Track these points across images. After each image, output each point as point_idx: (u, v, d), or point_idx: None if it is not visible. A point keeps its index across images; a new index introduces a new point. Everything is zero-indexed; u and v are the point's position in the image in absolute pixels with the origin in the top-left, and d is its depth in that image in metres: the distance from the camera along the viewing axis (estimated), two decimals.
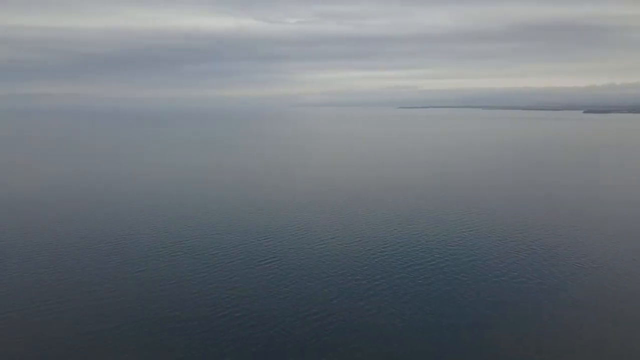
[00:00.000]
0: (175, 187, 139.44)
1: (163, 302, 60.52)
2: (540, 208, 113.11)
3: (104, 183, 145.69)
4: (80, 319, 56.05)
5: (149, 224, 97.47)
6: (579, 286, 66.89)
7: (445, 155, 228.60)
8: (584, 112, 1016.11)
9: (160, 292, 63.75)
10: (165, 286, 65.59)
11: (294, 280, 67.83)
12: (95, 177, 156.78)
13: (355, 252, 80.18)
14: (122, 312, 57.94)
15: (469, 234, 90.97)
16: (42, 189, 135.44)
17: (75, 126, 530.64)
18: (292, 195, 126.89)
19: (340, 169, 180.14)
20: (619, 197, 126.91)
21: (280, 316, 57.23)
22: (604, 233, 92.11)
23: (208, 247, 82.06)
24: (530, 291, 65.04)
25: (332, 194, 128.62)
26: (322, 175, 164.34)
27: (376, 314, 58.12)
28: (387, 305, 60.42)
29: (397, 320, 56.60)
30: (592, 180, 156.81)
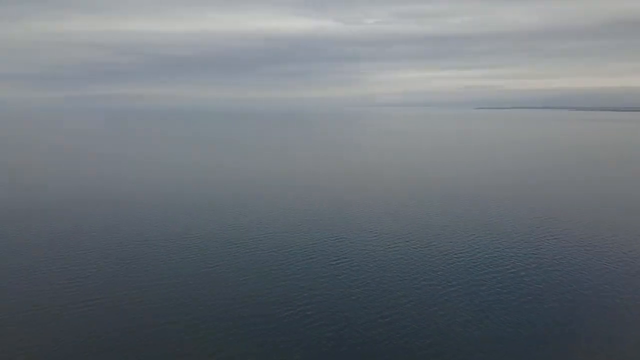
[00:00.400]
0: (253, 185, 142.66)
1: (233, 299, 61.50)
2: (635, 217, 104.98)
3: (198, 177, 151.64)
4: (155, 313, 57.92)
5: (221, 220, 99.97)
6: None
7: (526, 159, 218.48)
8: None
9: (232, 288, 64.88)
10: (236, 283, 66.71)
11: (365, 282, 66.87)
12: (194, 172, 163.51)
13: (430, 255, 77.92)
14: (195, 307, 59.34)
15: (554, 242, 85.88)
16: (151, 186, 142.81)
17: (169, 125, 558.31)
18: (365, 195, 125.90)
19: (412, 169, 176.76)
20: None
21: (351, 317, 56.49)
22: None
23: (280, 245, 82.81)
24: (622, 306, 60.10)
25: (405, 195, 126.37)
26: (394, 175, 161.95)
27: (450, 321, 55.94)
28: (462, 312, 58.03)
29: (473, 329, 54.15)
30: None
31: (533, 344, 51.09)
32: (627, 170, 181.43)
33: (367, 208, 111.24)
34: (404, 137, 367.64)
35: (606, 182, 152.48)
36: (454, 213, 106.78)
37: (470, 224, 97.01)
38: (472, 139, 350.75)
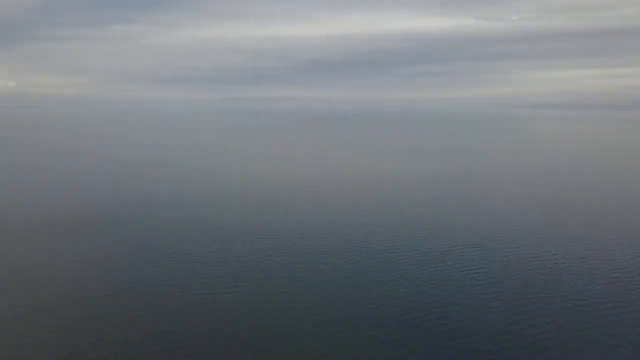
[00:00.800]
0: (404, 189, 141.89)
1: (360, 299, 61.11)
2: None
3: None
4: (281, 308, 59.51)
5: (369, 218, 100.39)
6: None
7: None
8: None
9: (361, 288, 64.59)
10: (367, 283, 66.29)
11: (507, 295, 62.29)
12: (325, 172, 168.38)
13: (587, 273, 70.47)
14: (327, 306, 59.98)
15: None
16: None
17: (312, 127, 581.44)
18: (514, 204, 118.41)
19: (563, 177, 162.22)
20: None
21: (486, 330, 52.96)
22: None
23: (418, 249, 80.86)
24: None
25: (560, 205, 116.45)
26: (546, 188, 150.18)
27: (609, 349, 49.87)
28: (622, 342, 51.37)
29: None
30: None
31: None
32: None
33: (511, 216, 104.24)
34: (551, 141, 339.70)
35: None
36: (619, 231, 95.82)
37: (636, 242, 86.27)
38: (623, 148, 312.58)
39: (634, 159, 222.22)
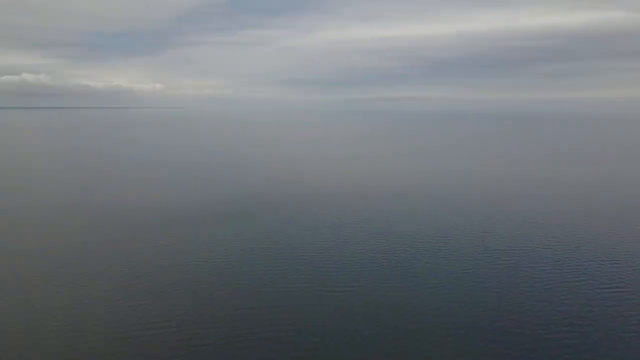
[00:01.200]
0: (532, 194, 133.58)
1: (477, 307, 57.98)
2: None
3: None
4: (403, 311, 58.24)
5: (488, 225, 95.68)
6: None
7: None
8: None
9: (480, 298, 61.23)
10: (485, 292, 62.72)
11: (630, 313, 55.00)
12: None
13: None
14: (445, 311, 57.78)
15: None
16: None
17: (438, 127, 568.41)
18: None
19: None
20: None
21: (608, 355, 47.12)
22: None
23: (531, 258, 74.88)
24: None
25: None
26: None
27: None
28: None
29: None
30: None
31: None
32: None
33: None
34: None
35: None
36: None
37: None
38: None
39: None
